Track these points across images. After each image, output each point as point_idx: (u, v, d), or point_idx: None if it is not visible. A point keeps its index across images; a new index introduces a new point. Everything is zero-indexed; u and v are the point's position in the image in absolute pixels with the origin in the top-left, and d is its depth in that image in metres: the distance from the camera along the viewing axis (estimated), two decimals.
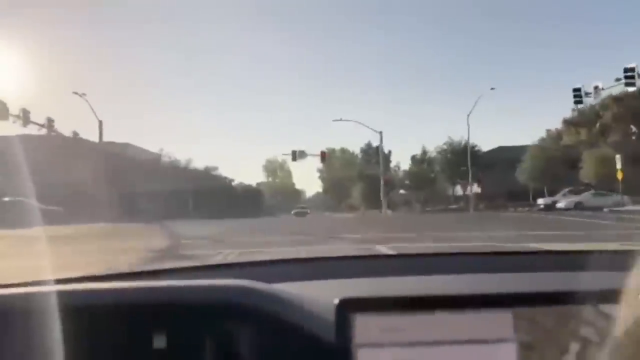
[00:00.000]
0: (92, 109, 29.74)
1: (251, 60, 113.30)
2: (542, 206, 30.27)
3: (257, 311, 0.83)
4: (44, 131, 26.10)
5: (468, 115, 35.61)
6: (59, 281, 1.02)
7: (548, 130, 43.25)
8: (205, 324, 0.82)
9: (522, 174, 36.23)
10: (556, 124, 42.27)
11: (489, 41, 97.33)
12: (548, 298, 0.74)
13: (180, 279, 1.00)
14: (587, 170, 31.75)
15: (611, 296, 0.72)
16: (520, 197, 37.11)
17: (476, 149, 40.68)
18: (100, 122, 30.98)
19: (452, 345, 0.70)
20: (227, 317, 0.83)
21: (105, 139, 31.17)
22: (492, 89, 34.69)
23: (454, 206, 42.64)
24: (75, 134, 26.86)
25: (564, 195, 30.30)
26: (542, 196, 34.75)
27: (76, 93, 28.66)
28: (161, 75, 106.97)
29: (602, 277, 0.91)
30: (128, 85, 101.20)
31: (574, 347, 0.69)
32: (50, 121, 26.62)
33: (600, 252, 1.18)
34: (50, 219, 18.97)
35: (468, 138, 38.24)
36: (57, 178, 27.18)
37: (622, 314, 0.68)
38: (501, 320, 0.71)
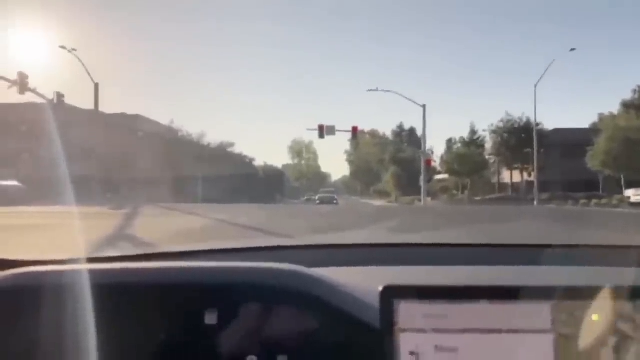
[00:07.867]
0: (86, 68, 25.18)
1: (275, 23, 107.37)
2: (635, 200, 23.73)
3: (302, 295, 0.87)
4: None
5: (535, 85, 29.05)
6: (95, 260, 1.04)
7: (600, 114, 36.51)
8: (249, 307, 0.84)
9: (595, 160, 29.01)
10: (609, 108, 35.40)
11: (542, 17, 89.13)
12: (586, 292, 0.76)
13: (218, 261, 1.01)
14: None
15: None
16: (580, 187, 30.91)
17: (540, 127, 33.42)
18: (97, 85, 26.46)
19: (492, 333, 0.75)
20: (273, 300, 0.85)
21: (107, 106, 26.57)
22: (572, 49, 27.99)
23: (502, 195, 36.72)
24: (59, 95, 22.36)
25: None
26: (615, 187, 28.69)
27: (63, 47, 24.04)
28: (172, 39, 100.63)
29: None
30: (132, 48, 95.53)
31: (612, 341, 0.73)
32: (60, 95, 22.50)
33: None
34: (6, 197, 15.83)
35: (535, 113, 31.67)
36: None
37: None
38: (539, 312, 0.75)
